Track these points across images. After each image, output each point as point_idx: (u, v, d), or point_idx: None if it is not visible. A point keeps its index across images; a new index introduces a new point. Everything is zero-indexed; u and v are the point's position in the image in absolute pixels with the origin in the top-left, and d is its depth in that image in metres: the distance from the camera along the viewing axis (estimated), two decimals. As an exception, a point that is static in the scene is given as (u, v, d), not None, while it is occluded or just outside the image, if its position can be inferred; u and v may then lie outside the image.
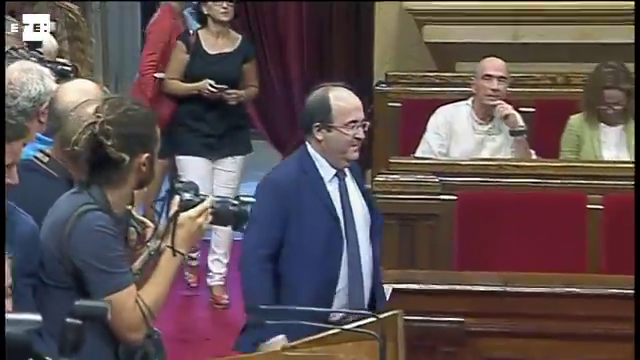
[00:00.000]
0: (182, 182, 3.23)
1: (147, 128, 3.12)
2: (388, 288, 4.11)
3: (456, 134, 5.59)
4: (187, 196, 3.13)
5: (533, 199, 5.21)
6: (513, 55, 5.86)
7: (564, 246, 5.10)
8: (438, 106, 5.70)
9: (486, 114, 5.58)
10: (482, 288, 4.40)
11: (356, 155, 3.93)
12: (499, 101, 5.52)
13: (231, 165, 6.12)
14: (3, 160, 2.94)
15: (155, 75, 6.28)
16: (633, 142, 5.53)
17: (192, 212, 3.10)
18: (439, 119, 5.64)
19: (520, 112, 5.60)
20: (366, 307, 3.90)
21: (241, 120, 6.23)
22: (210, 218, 3.13)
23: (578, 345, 4.34)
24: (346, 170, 3.98)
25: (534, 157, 5.60)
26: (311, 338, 2.98)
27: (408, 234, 5.21)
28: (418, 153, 5.64)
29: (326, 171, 3.90)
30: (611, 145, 5.56)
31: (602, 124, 5.55)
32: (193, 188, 3.17)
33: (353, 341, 2.99)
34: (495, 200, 5.25)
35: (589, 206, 5.12)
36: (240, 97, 6.10)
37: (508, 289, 4.40)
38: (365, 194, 4.02)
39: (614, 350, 4.30)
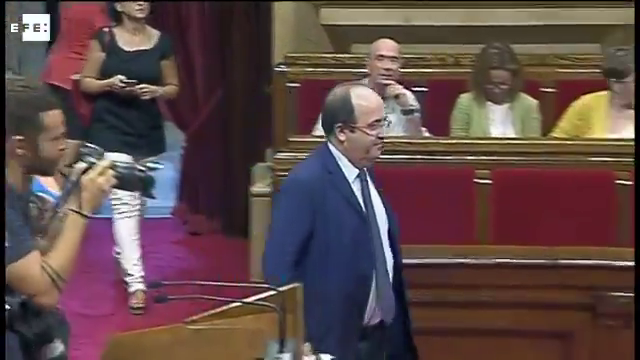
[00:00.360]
0: (87, 147, 3.18)
1: (26, 111, 3.02)
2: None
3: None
4: (91, 160, 3.08)
5: (425, 174, 5.27)
6: (405, 37, 5.89)
7: (454, 219, 5.17)
8: (334, 86, 5.71)
9: (380, 94, 5.58)
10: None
11: (379, 154, 3.73)
12: (391, 82, 5.56)
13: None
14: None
15: (71, 77, 6.17)
16: (518, 119, 5.63)
17: (92, 173, 3.06)
18: (335, 99, 5.65)
19: (412, 92, 5.65)
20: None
21: (157, 119, 6.11)
22: (113, 180, 3.09)
23: (467, 312, 4.40)
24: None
25: (426, 134, 5.65)
26: (212, 312, 2.97)
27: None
28: (316, 132, 5.65)
29: (349, 171, 3.67)
30: (498, 122, 5.64)
31: (489, 102, 5.63)
32: (98, 152, 3.12)
33: (253, 314, 2.99)
34: (389, 176, 5.25)
35: (477, 180, 5.20)
36: (155, 92, 5.95)
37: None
38: (381, 195, 3.80)
39: (500, 316, 4.38)
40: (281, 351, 2.81)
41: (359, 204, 3.66)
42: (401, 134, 5.56)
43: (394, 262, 3.73)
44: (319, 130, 5.61)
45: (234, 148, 7.09)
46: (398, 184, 5.23)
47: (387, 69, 5.55)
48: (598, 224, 5.05)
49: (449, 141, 5.46)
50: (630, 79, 5.30)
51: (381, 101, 3.78)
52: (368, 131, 3.63)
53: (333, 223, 3.59)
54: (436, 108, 5.75)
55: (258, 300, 3.01)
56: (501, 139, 5.48)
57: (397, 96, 5.55)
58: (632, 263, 4.32)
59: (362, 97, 3.67)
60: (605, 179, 5.12)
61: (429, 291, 4.38)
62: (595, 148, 5.21)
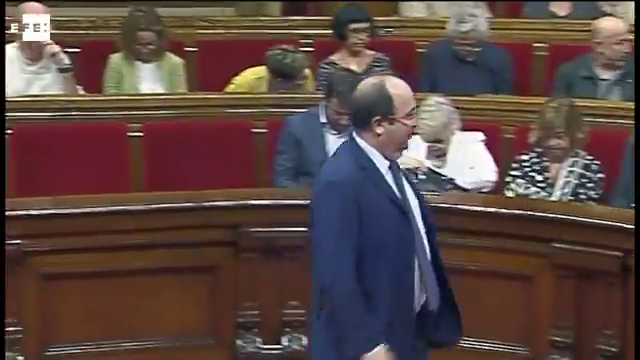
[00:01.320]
0: None
1: None
2: None
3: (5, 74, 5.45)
4: None
5: (80, 130, 5.24)
6: (54, 1, 5.78)
7: (111, 170, 5.19)
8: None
9: (34, 55, 5.49)
10: (36, 212, 4.38)
11: (408, 144, 3.41)
12: (49, 41, 5.44)
13: None
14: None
15: None
16: (166, 76, 5.69)
17: None
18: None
19: (67, 52, 5.56)
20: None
21: None
22: None
23: (125, 254, 4.44)
24: None
25: (81, 92, 5.60)
26: None
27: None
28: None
29: (381, 164, 3.34)
30: (147, 80, 5.69)
31: (138, 62, 5.66)
32: None
33: None
34: (48, 133, 5.24)
35: (130, 134, 5.24)
36: None
37: (59, 211, 4.41)
38: (412, 183, 3.48)
39: (154, 257, 4.44)
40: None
41: (397, 196, 3.36)
42: (59, 92, 5.47)
43: (430, 246, 3.41)
44: None
45: None
46: (57, 140, 5.21)
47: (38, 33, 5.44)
48: (239, 168, 5.23)
49: (103, 98, 5.47)
50: (298, 80, 5.45)
51: (410, 89, 3.46)
52: (406, 121, 3.33)
53: (377, 219, 3.30)
54: (89, 68, 5.71)
55: None
56: (151, 95, 5.54)
57: (54, 54, 5.46)
58: (269, 201, 4.52)
59: (397, 87, 3.34)
60: (243, 128, 5.31)
61: (85, 237, 4.38)
62: (233, 101, 5.40)
